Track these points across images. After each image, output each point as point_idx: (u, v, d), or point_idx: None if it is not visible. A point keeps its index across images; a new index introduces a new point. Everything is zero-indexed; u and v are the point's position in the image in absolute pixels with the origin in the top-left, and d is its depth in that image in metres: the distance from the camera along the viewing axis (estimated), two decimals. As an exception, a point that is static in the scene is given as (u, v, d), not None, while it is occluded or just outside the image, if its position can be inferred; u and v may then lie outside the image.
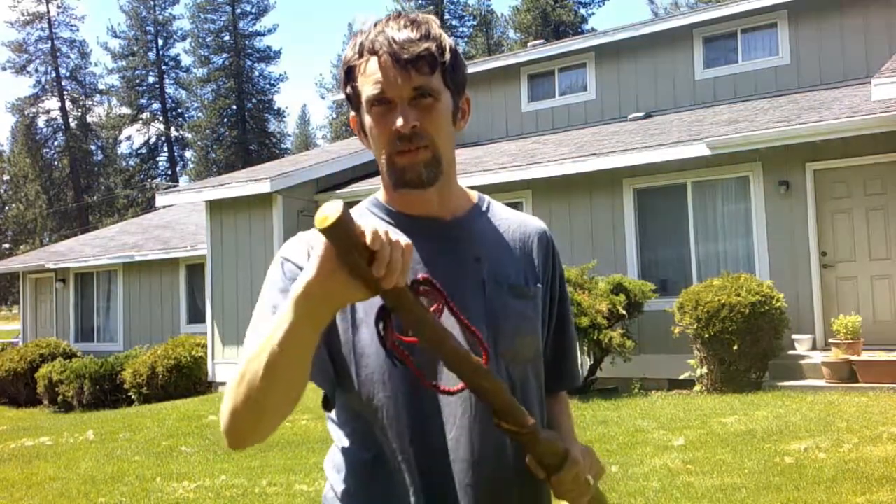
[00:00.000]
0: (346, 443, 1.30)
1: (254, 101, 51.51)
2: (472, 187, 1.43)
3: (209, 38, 50.66)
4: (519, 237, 1.39)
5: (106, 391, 13.28)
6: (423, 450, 1.23)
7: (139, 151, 53.02)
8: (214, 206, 12.83)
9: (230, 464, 6.92)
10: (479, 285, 1.29)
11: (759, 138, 9.33)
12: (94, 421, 10.64)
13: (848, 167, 9.39)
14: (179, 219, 18.32)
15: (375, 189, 1.40)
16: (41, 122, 50.27)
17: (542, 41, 19.08)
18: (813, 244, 9.49)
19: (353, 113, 1.33)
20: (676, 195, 10.42)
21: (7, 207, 51.64)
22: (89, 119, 51.23)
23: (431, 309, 1.06)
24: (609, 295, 8.99)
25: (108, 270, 16.84)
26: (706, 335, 8.48)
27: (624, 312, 8.99)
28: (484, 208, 1.40)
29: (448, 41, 1.26)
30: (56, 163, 50.60)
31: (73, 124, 49.84)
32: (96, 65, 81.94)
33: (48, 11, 49.29)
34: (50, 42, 49.47)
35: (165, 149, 53.20)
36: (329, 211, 0.93)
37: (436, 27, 1.26)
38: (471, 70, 13.04)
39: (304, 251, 1.26)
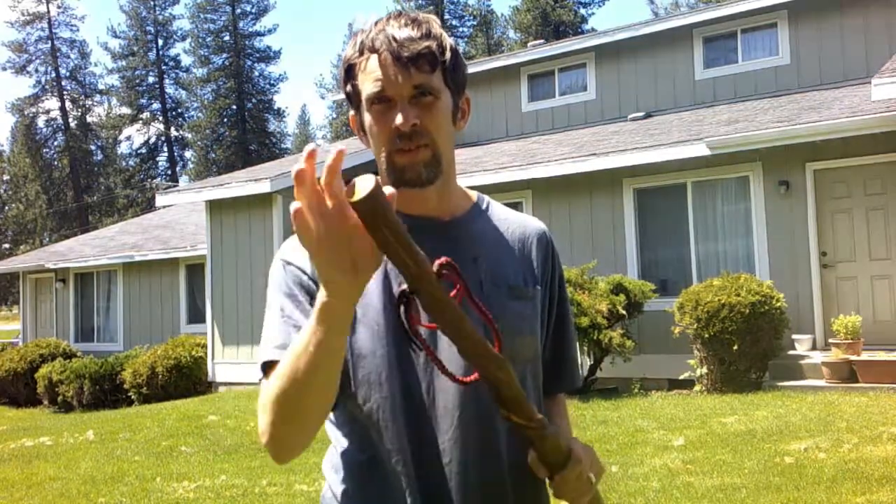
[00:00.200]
0: (343, 443, 1.30)
1: (254, 101, 51.51)
2: (472, 187, 1.42)
3: (209, 38, 50.66)
4: (518, 237, 1.38)
5: (106, 391, 13.27)
6: (420, 450, 1.23)
7: (139, 151, 53.04)
8: (214, 206, 12.82)
9: (230, 464, 6.93)
10: (477, 286, 1.28)
11: (759, 138, 9.33)
12: (94, 421, 10.64)
13: (848, 167, 9.39)
14: (179, 219, 18.31)
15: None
16: (41, 122, 50.33)
17: (542, 41, 19.08)
18: (813, 244, 9.49)
19: (352, 112, 1.33)
20: (676, 195, 10.42)
21: (7, 207, 51.65)
22: (89, 119, 51.25)
23: (451, 294, 1.06)
24: (609, 295, 8.99)
25: (108, 270, 16.84)
26: (706, 335, 8.48)
27: (624, 312, 8.99)
28: (483, 208, 1.39)
29: (448, 40, 1.26)
30: (56, 163, 50.61)
31: (73, 124, 49.84)
32: (96, 65, 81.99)
33: (48, 11, 49.31)
34: (50, 42, 49.48)
35: (165, 149, 53.21)
36: (362, 185, 0.92)
37: (436, 26, 1.26)
38: (471, 70, 13.03)
39: (306, 252, 1.26)
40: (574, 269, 9.16)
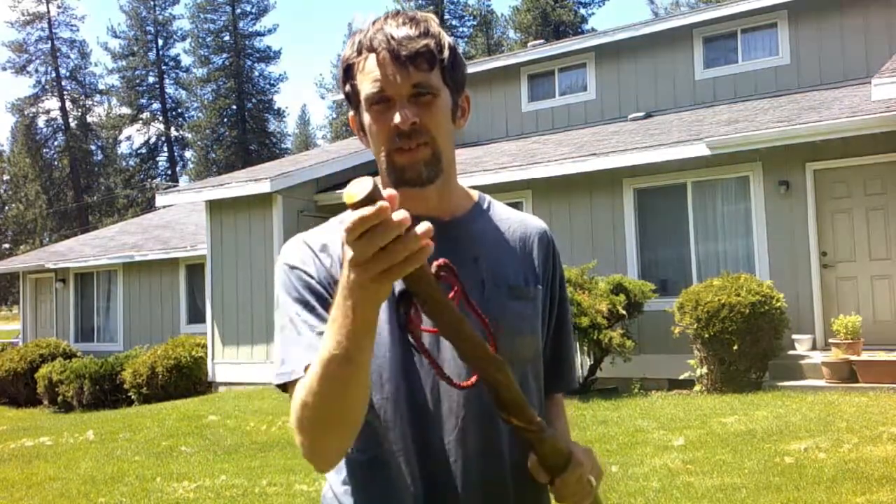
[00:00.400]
0: (345, 444, 1.30)
1: (254, 101, 51.52)
2: (473, 187, 1.42)
3: (209, 38, 50.67)
4: (519, 237, 1.38)
5: (106, 391, 13.27)
6: (424, 451, 1.23)
7: (139, 151, 53.05)
8: (214, 206, 12.82)
9: (230, 464, 6.92)
10: (479, 286, 1.27)
11: (759, 138, 9.33)
12: (94, 421, 10.64)
13: (848, 167, 9.39)
14: (179, 219, 18.31)
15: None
16: (41, 122, 50.34)
17: (542, 41, 19.08)
18: (813, 244, 9.48)
19: (352, 112, 1.32)
20: (676, 195, 10.42)
21: (7, 207, 51.64)
22: (89, 119, 51.26)
23: (449, 296, 1.05)
24: (609, 295, 8.99)
25: (108, 270, 16.84)
26: (706, 335, 8.48)
27: (624, 312, 8.99)
28: (485, 207, 1.39)
29: (447, 38, 1.26)
30: (56, 163, 50.61)
31: (73, 124, 49.85)
32: (96, 65, 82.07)
33: (48, 11, 49.31)
34: (50, 42, 49.48)
35: (165, 149, 53.22)
36: (358, 187, 0.91)
37: (434, 25, 1.25)
38: (471, 70, 13.03)
39: (309, 255, 1.26)
40: (574, 269, 9.15)
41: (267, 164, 15.92)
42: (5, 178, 52.01)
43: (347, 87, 1.28)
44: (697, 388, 8.84)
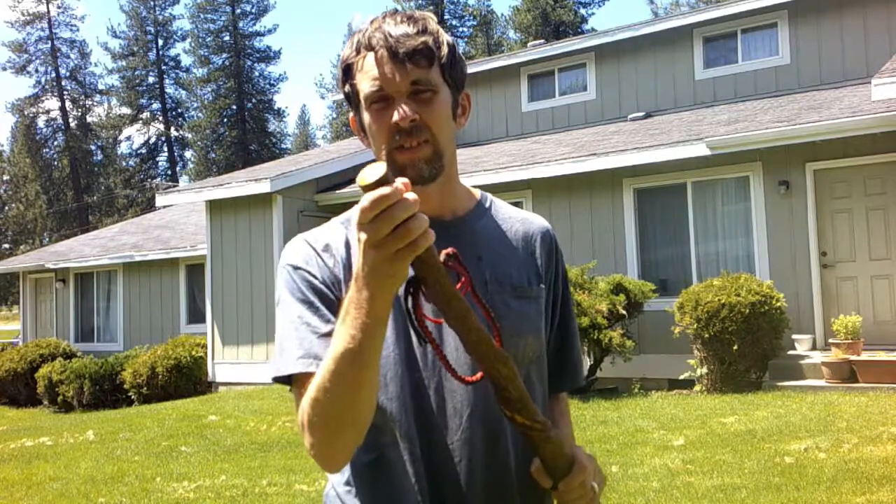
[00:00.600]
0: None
1: (254, 101, 51.50)
2: (473, 187, 1.42)
3: (209, 38, 50.66)
4: (522, 236, 1.38)
5: (106, 391, 13.27)
6: (429, 451, 1.22)
7: (139, 151, 53.03)
8: (214, 206, 12.82)
9: (230, 464, 6.92)
10: (482, 285, 1.27)
11: (759, 138, 9.33)
12: (94, 421, 10.64)
13: (848, 167, 9.38)
14: (179, 219, 18.31)
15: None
16: (41, 122, 50.31)
17: (542, 41, 19.07)
18: (813, 244, 9.48)
19: (352, 113, 1.32)
20: (676, 195, 10.42)
21: (7, 207, 51.63)
22: (89, 119, 51.22)
23: (457, 286, 1.04)
24: (609, 295, 8.99)
25: (108, 270, 16.84)
26: (706, 335, 8.48)
27: (624, 312, 8.99)
28: (487, 206, 1.39)
29: (445, 36, 1.25)
30: (56, 163, 50.58)
31: (73, 124, 49.82)
32: (96, 65, 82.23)
33: (48, 11, 49.29)
34: (50, 42, 49.46)
35: (165, 149, 53.20)
36: (371, 170, 0.93)
37: (433, 23, 1.25)
38: (471, 70, 13.04)
39: (312, 255, 1.25)
40: (574, 269, 9.15)
41: (267, 164, 15.92)
42: (5, 178, 52.00)
43: (347, 87, 1.28)
44: (697, 388, 8.84)
